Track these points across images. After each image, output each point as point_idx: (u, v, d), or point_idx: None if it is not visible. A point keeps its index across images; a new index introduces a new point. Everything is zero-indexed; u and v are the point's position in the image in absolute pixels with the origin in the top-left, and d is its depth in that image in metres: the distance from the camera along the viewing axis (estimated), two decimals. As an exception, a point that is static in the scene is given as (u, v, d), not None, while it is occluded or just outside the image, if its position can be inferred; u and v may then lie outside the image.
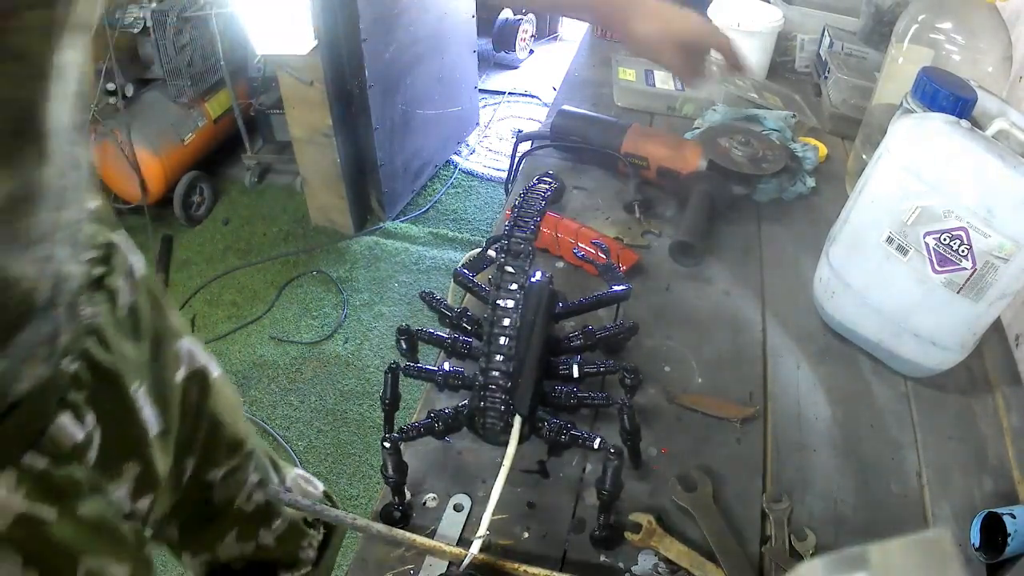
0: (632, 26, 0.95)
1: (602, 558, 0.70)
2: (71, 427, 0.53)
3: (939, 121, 0.79)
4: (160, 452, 0.67)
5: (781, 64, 1.54)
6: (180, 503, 0.76)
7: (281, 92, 2.43)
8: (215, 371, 0.79)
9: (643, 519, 0.72)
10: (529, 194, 0.73)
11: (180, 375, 0.72)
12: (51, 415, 0.52)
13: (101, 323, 0.59)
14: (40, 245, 0.48)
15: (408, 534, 0.69)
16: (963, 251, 0.78)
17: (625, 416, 0.73)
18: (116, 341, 0.60)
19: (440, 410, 0.73)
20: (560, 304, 0.84)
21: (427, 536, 0.70)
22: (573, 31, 4.00)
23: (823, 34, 1.47)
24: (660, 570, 0.69)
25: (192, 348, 0.76)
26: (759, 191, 1.17)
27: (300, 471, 1.04)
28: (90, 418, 0.55)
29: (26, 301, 0.48)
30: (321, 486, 1.04)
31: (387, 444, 0.70)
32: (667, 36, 0.95)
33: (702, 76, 1.00)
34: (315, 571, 1.00)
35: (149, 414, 0.65)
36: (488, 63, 3.73)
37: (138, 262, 0.68)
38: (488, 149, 3.23)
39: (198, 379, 0.75)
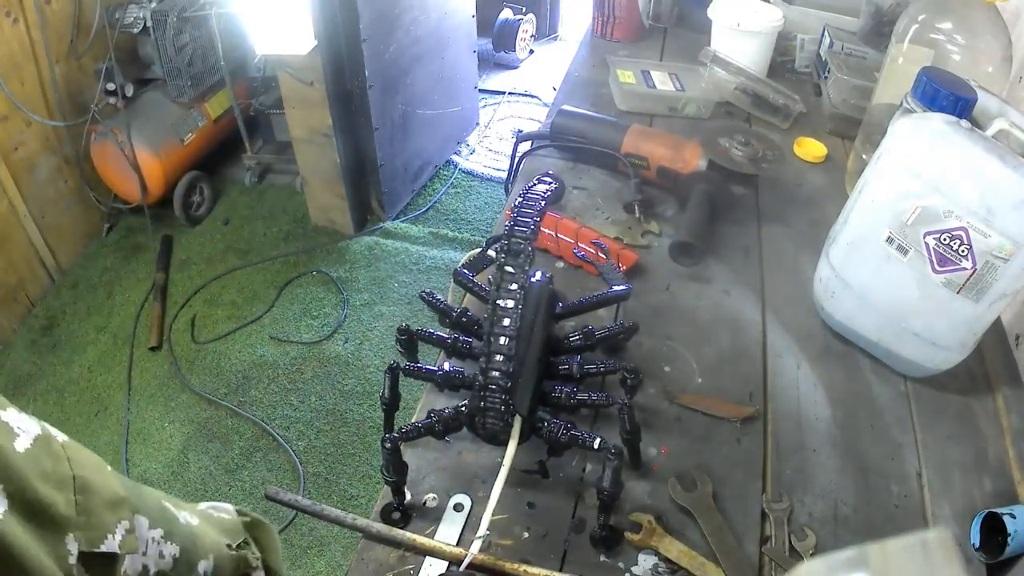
0: None
1: (602, 558, 0.70)
2: None
3: (939, 121, 0.79)
4: (17, 531, 0.56)
5: (781, 64, 1.54)
6: None
7: (281, 92, 2.43)
8: (60, 436, 0.67)
9: (643, 519, 0.72)
10: (529, 194, 0.73)
11: (22, 444, 0.62)
12: None
13: None
14: None
15: (408, 534, 0.69)
16: (963, 251, 0.78)
17: (625, 416, 0.73)
18: None
19: (440, 410, 0.73)
20: (560, 304, 0.84)
21: (427, 536, 0.70)
22: (573, 31, 4.00)
23: (823, 34, 1.47)
24: (660, 570, 0.69)
25: (21, 417, 0.64)
26: None
27: (208, 503, 0.98)
28: None
29: None
30: (230, 507, 0.99)
31: (387, 444, 0.70)
32: None
33: None
34: None
35: None
36: (488, 63, 3.73)
37: None
38: (488, 149, 3.23)
39: (43, 444, 0.65)
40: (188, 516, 0.86)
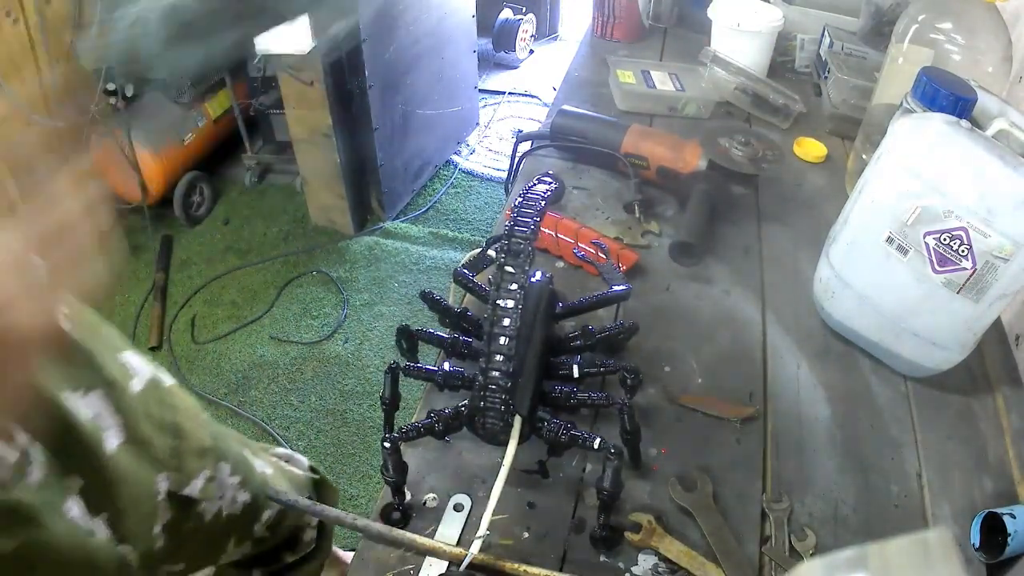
0: None
1: (602, 558, 0.70)
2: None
3: (939, 121, 0.79)
4: (125, 464, 0.64)
5: (781, 64, 1.54)
6: (172, 528, 0.73)
7: (281, 92, 2.43)
8: (167, 380, 0.76)
9: (643, 519, 0.72)
10: (529, 194, 0.73)
11: (135, 386, 0.70)
12: None
13: None
14: None
15: (408, 534, 0.69)
16: (963, 251, 0.78)
17: (625, 416, 0.73)
18: None
19: (440, 410, 0.73)
20: (560, 304, 0.84)
21: (427, 536, 0.70)
22: (573, 31, 4.00)
23: (823, 34, 1.47)
24: (660, 570, 0.69)
25: (137, 360, 0.73)
26: None
27: (282, 450, 1.02)
28: (21, 437, 0.55)
29: None
30: (306, 462, 1.03)
31: (387, 444, 0.70)
32: None
33: None
34: (319, 552, 0.99)
35: (98, 423, 0.63)
36: (488, 63, 3.73)
37: None
38: (488, 149, 3.23)
39: (152, 389, 0.73)
40: (264, 465, 0.92)
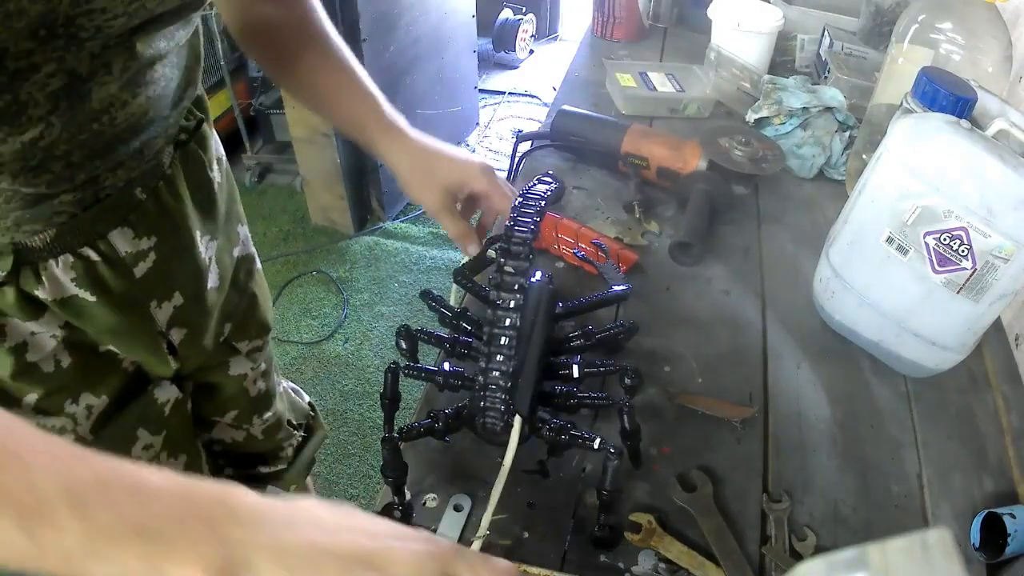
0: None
1: (602, 558, 0.70)
2: (124, 240, 0.66)
3: (939, 121, 0.79)
4: (209, 302, 0.78)
5: (781, 64, 1.54)
6: (206, 361, 0.86)
7: (281, 92, 2.43)
8: (258, 263, 0.93)
9: (643, 519, 0.72)
10: (529, 194, 0.73)
11: (236, 252, 0.85)
12: (112, 225, 0.65)
13: (174, 175, 0.71)
14: (154, 68, 0.60)
15: (408, 534, 0.69)
16: (963, 251, 0.78)
17: (625, 416, 0.73)
18: (186, 195, 0.72)
19: (440, 410, 0.73)
20: (560, 304, 0.84)
21: (427, 536, 0.70)
22: (573, 31, 4.00)
23: (823, 34, 1.47)
24: (660, 570, 0.69)
25: (247, 236, 0.89)
26: (799, 166, 1.21)
27: (288, 383, 1.13)
28: (147, 241, 0.68)
29: (134, 119, 0.60)
30: (307, 397, 1.16)
31: (387, 444, 0.70)
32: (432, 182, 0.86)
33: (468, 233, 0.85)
34: (290, 469, 1.08)
35: (211, 266, 0.78)
36: (488, 63, 3.73)
37: (222, 150, 0.82)
38: (488, 149, 3.23)
39: (247, 262, 0.88)
40: (280, 379, 1.06)
